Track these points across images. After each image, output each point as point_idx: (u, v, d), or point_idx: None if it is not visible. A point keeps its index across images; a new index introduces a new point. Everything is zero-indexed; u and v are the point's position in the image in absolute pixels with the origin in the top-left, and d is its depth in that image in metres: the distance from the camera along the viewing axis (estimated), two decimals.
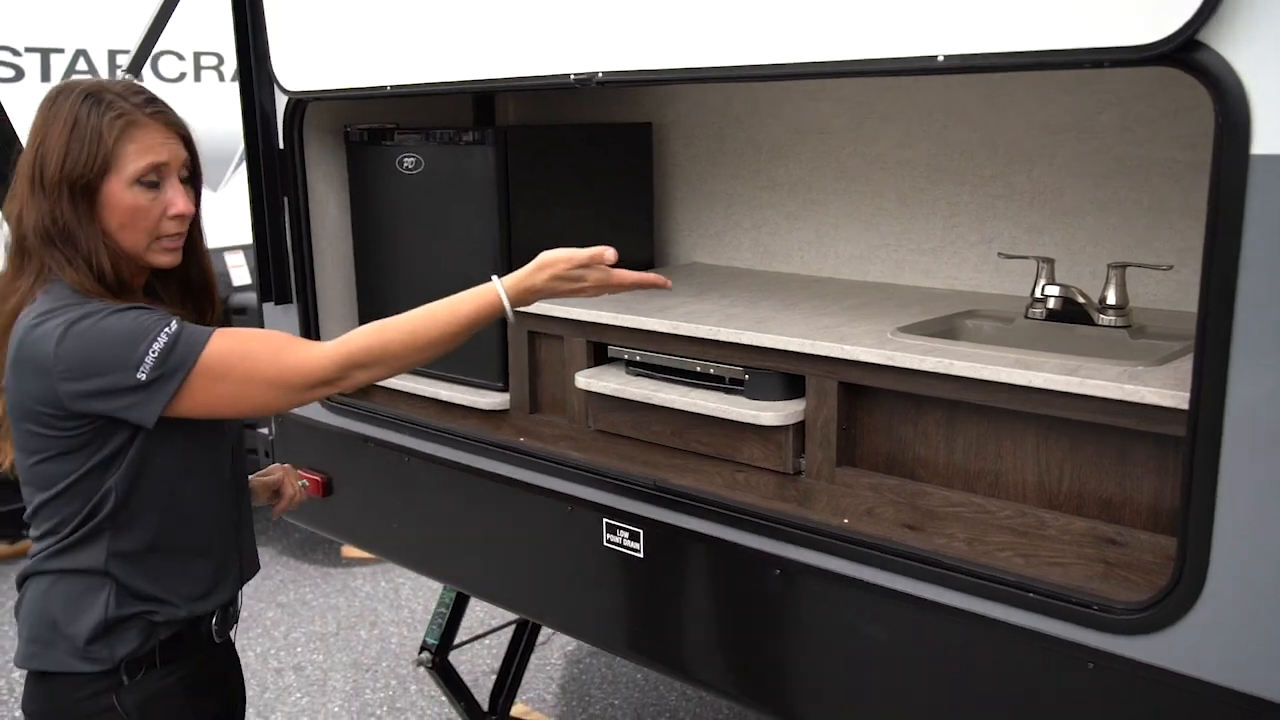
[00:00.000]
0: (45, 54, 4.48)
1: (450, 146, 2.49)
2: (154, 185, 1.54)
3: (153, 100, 1.57)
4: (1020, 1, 1.42)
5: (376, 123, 2.64)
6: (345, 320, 2.75)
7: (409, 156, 2.55)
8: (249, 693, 2.02)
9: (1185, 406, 1.42)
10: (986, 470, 1.82)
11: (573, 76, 1.93)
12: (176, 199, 1.57)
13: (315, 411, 2.65)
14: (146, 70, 5.13)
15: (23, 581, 1.63)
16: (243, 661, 1.89)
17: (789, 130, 2.68)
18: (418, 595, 4.31)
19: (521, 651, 3.16)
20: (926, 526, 1.79)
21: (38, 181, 1.52)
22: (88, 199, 1.51)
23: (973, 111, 2.37)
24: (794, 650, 1.88)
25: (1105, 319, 2.01)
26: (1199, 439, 1.38)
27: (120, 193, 1.52)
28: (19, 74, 4.41)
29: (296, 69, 2.48)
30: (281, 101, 2.55)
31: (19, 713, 1.65)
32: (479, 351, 2.42)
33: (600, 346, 2.29)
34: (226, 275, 4.62)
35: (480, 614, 3.72)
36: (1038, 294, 2.08)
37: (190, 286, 1.70)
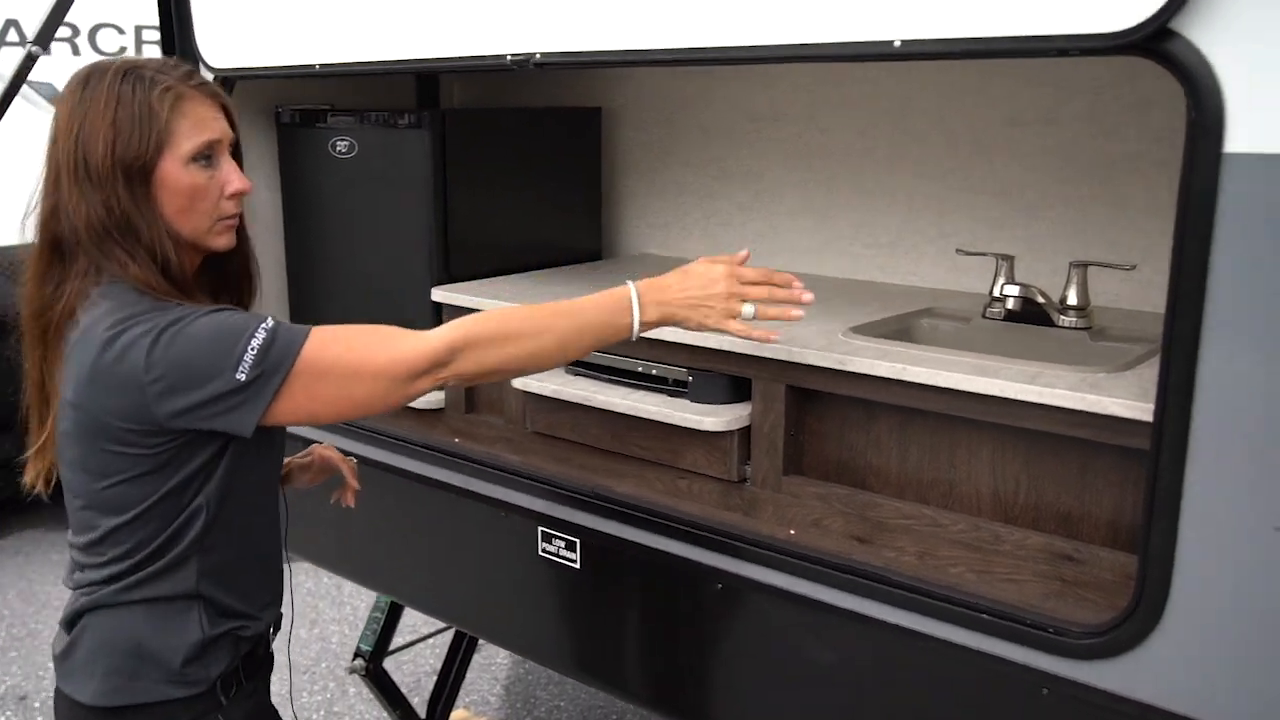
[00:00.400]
0: None
1: (385, 130, 2.36)
2: (208, 162, 1.42)
3: (193, 73, 1.45)
4: None
5: (310, 104, 2.51)
6: (276, 313, 2.61)
7: (342, 140, 2.42)
8: None
9: (1149, 418, 1.33)
10: (940, 480, 1.73)
11: (509, 58, 1.81)
12: (232, 176, 1.45)
13: None
14: (83, 43, 4.97)
15: (76, 618, 1.49)
16: None
17: (743, 118, 2.58)
18: (361, 592, 4.18)
19: (462, 655, 3.05)
20: (876, 539, 1.70)
21: (81, 172, 1.37)
22: (144, 183, 1.38)
23: (933, 101, 2.28)
24: (735, 669, 1.78)
25: (1066, 320, 1.93)
26: (1163, 452, 1.30)
27: (178, 173, 1.39)
28: None
29: (223, 46, 2.35)
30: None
31: None
32: None
33: None
34: None
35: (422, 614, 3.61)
36: (996, 293, 2.00)
37: (228, 273, 1.57)
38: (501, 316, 1.50)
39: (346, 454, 1.95)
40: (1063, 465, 1.61)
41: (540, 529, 1.97)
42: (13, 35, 4.41)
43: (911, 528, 1.73)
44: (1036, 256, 2.15)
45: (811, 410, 1.84)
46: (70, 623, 1.50)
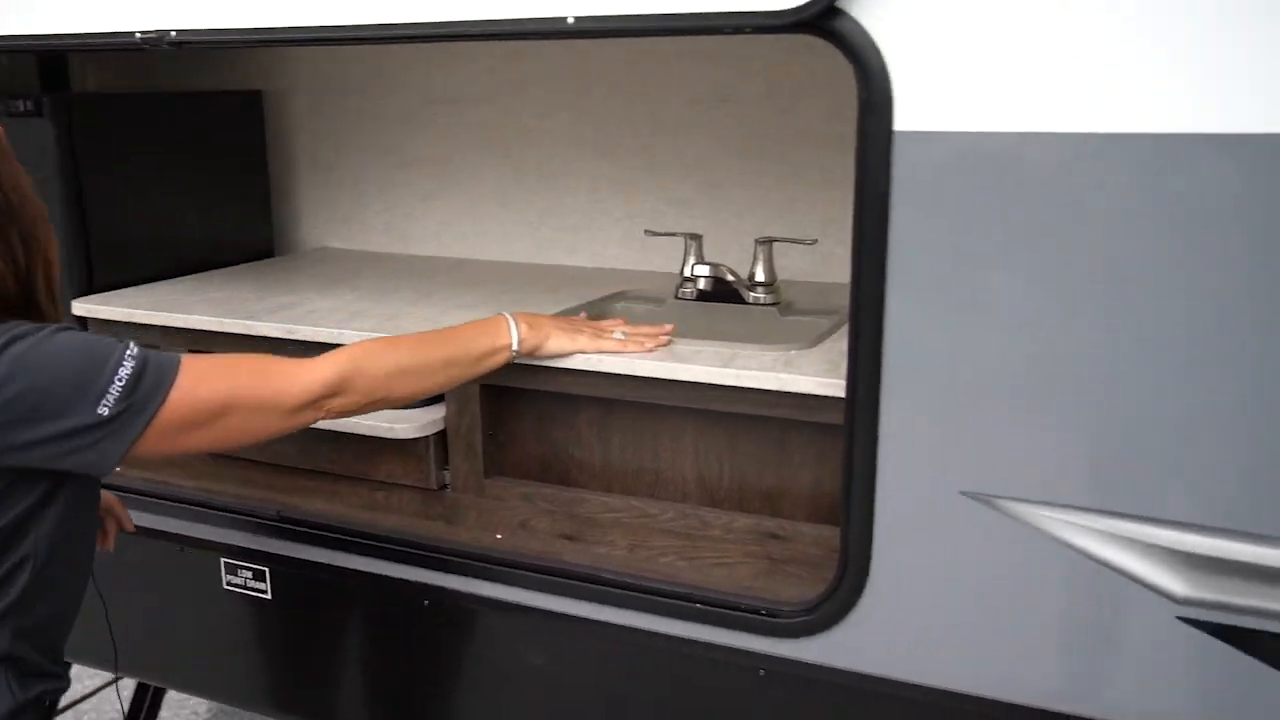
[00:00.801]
0: None
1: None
2: None
3: None
4: None
5: None
6: None
7: None
8: None
9: (842, 394, 1.34)
10: (646, 470, 1.69)
11: (139, 35, 1.59)
12: None
13: None
14: None
15: None
16: None
17: (421, 101, 2.44)
18: None
19: (150, 701, 2.75)
20: (585, 536, 1.65)
21: None
22: None
23: (615, 80, 2.24)
24: (452, 688, 1.68)
25: (755, 296, 1.95)
26: (857, 427, 1.31)
27: None
28: None
29: None
30: None
31: None
32: None
33: None
34: None
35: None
36: (688, 273, 1.99)
37: None
38: (387, 345, 1.46)
39: None
40: (762, 445, 1.62)
41: (223, 560, 1.78)
42: None
43: (620, 520, 1.68)
44: (722, 233, 2.17)
45: (510, 408, 1.75)
46: None
